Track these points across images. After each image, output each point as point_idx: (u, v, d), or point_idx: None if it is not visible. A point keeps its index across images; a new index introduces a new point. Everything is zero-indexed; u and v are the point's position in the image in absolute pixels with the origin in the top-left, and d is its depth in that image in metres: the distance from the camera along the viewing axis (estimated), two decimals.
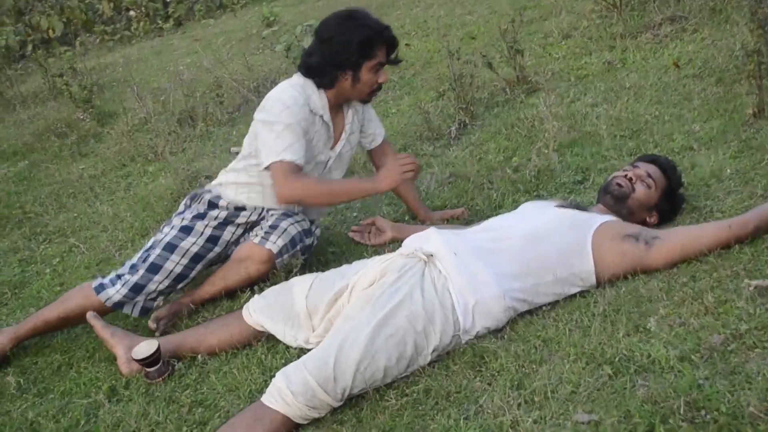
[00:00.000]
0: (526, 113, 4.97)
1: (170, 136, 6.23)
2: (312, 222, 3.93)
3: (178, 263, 3.69)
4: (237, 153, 5.68)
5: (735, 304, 2.69)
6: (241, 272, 3.67)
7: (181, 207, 3.91)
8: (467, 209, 4.14)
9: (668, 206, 3.56)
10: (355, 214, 4.44)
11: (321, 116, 3.70)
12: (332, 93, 3.71)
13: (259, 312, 3.32)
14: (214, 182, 3.95)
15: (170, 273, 3.68)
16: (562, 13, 6.74)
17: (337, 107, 3.81)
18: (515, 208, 3.95)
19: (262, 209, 3.82)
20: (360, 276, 3.21)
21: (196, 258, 3.74)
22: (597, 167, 4.22)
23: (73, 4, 12.15)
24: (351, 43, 3.57)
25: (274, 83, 6.41)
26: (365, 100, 3.83)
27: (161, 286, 3.68)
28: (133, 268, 3.68)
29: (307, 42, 6.32)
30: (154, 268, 3.66)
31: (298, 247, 3.69)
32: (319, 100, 3.69)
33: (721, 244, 3.10)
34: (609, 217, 3.34)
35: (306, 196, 3.63)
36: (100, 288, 3.66)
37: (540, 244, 3.16)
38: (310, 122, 3.65)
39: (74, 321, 3.71)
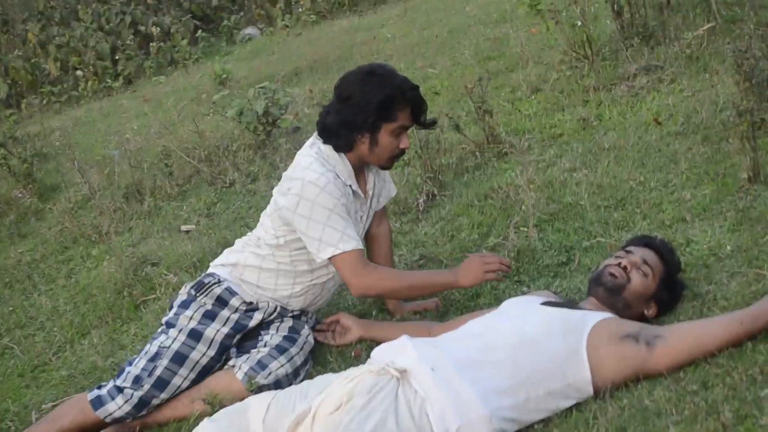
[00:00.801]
0: (499, 181, 4.57)
1: (116, 214, 5.77)
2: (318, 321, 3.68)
3: (186, 378, 3.34)
4: (188, 232, 5.35)
5: (757, 421, 2.32)
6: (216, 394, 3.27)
7: (184, 295, 3.53)
8: (440, 300, 3.72)
9: (668, 295, 3.19)
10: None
11: (350, 186, 3.36)
12: (353, 157, 3.36)
13: None
14: (220, 261, 3.61)
15: (177, 389, 3.33)
16: (529, 63, 6.37)
17: (358, 172, 3.46)
18: (494, 297, 3.62)
19: (275, 309, 3.47)
20: (324, 398, 2.80)
21: (204, 371, 3.39)
22: (582, 245, 3.84)
23: (18, 64, 11.68)
24: (370, 103, 3.23)
25: (227, 151, 6.07)
26: (384, 166, 3.48)
27: (163, 400, 3.33)
28: (138, 382, 3.29)
29: (260, 106, 5.93)
30: (161, 384, 3.30)
31: (281, 387, 3.28)
32: (344, 168, 3.35)
33: (732, 343, 2.73)
34: (603, 314, 2.95)
35: (384, 291, 3.49)
36: (98, 402, 3.28)
37: (530, 353, 2.78)
38: (344, 193, 3.33)
39: None
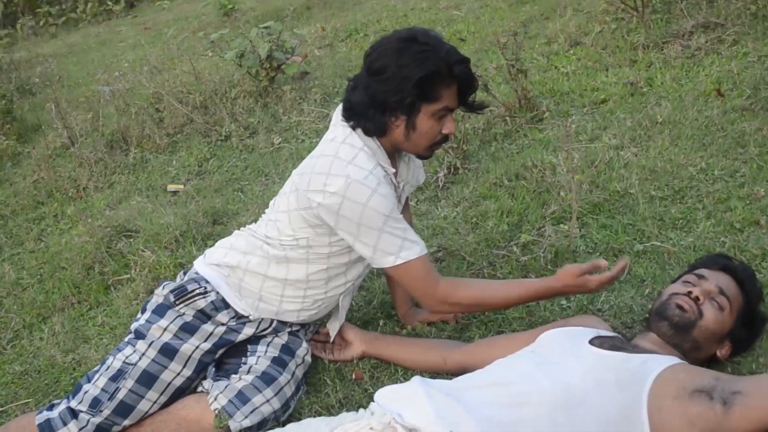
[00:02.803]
0: (533, 157, 3.91)
1: (97, 166, 5.13)
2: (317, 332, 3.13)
3: (155, 402, 2.75)
4: (175, 192, 4.72)
5: None
6: None
7: (160, 298, 2.87)
8: None
9: (746, 333, 2.56)
10: None
11: (391, 176, 2.73)
12: (385, 142, 2.69)
13: None
14: (214, 259, 2.93)
15: (143, 414, 2.73)
16: (568, 11, 5.66)
17: (391, 158, 2.79)
18: (526, 309, 2.98)
19: (271, 323, 2.88)
20: None
21: (178, 392, 2.78)
22: (633, 249, 3.20)
23: None
24: (407, 79, 2.53)
25: (225, 97, 5.40)
26: (422, 155, 2.78)
27: (125, 427, 2.75)
28: (96, 406, 2.70)
29: (263, 48, 5.25)
30: (123, 410, 2.72)
31: (267, 425, 2.68)
32: (383, 155, 2.69)
33: None
34: (668, 359, 2.34)
35: (469, 305, 2.81)
36: (48, 428, 2.71)
37: (575, 414, 2.19)
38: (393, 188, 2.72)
39: None
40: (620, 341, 2.47)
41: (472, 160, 4.15)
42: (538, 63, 5.07)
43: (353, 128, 2.67)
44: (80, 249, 4.12)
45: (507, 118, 4.41)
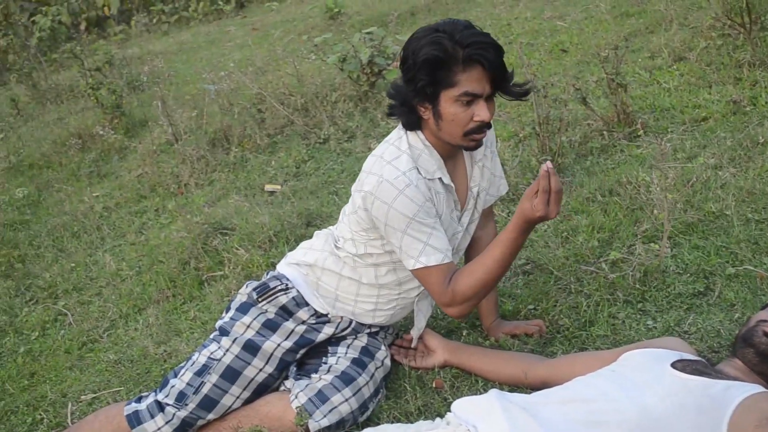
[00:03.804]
0: (628, 174, 3.86)
1: (198, 163, 5.28)
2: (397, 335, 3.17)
3: (238, 397, 2.82)
4: (272, 193, 4.81)
5: None
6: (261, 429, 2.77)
7: (244, 296, 2.97)
8: (545, 322, 3.10)
9: None
10: None
11: (440, 179, 2.71)
12: (431, 138, 2.68)
13: None
14: (294, 259, 3.01)
15: (226, 409, 2.82)
16: (673, 25, 5.56)
17: (453, 160, 2.78)
18: (611, 327, 2.97)
19: (350, 323, 2.94)
20: None
21: (261, 389, 2.86)
22: (725, 272, 3.13)
23: None
24: (417, 65, 2.51)
25: (325, 101, 5.48)
26: (464, 146, 2.67)
27: (210, 420, 2.84)
28: (182, 400, 2.79)
29: (365, 54, 5.32)
30: (208, 404, 2.80)
31: (345, 427, 2.75)
32: (430, 157, 2.68)
33: None
34: (752, 388, 2.28)
35: (477, 295, 2.69)
36: (135, 419, 2.81)
37: None
38: (432, 192, 2.68)
39: None
40: (703, 366, 2.43)
41: (567, 174, 4.13)
42: (639, 77, 5.00)
43: (407, 130, 2.69)
44: (178, 244, 4.25)
45: (604, 132, 4.38)
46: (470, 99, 2.54)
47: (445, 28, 2.51)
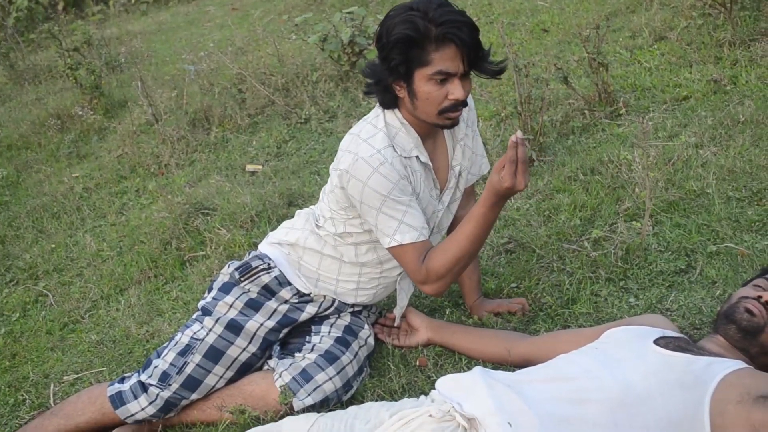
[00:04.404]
0: (609, 152, 3.88)
1: (179, 143, 5.25)
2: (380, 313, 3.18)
3: (221, 377, 2.82)
4: (253, 173, 4.79)
5: None
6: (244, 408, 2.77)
7: (226, 276, 2.96)
8: (528, 301, 3.11)
9: None
10: None
11: (417, 157, 2.70)
12: (408, 116, 2.67)
13: None
14: (276, 238, 3.01)
15: (210, 389, 2.81)
16: (654, 4, 5.56)
17: (433, 139, 2.78)
18: (593, 305, 2.98)
19: (332, 302, 2.94)
20: None
21: (245, 368, 2.86)
22: (706, 249, 3.16)
23: None
24: (390, 44, 2.52)
25: (306, 80, 5.46)
26: (440, 124, 2.66)
27: (193, 400, 2.83)
28: (165, 380, 2.78)
29: (345, 33, 5.30)
30: (191, 384, 2.79)
31: (329, 405, 2.75)
32: (406, 135, 2.68)
33: None
34: (734, 363, 2.30)
35: (452, 271, 2.68)
36: (119, 400, 2.80)
37: (636, 413, 2.17)
38: (409, 170, 2.68)
39: None
40: (686, 342, 2.44)
41: (548, 153, 4.13)
42: (620, 57, 5.01)
43: (383, 108, 2.69)
44: (159, 224, 4.23)
45: (586, 111, 4.39)
46: (444, 77, 2.54)
47: (419, 6, 2.50)
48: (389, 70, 2.56)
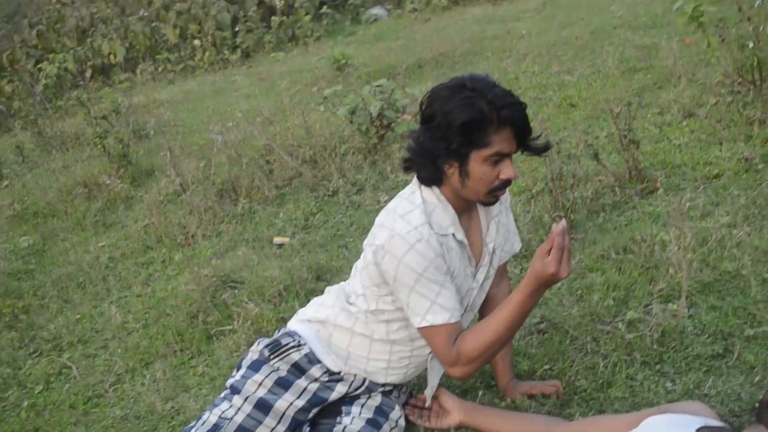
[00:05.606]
0: (642, 231, 3.84)
1: (206, 214, 5.25)
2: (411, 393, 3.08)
3: None
4: (280, 245, 4.78)
5: None
6: None
7: (255, 354, 2.92)
8: (562, 383, 3.05)
9: None
10: None
11: (453, 234, 2.67)
12: (449, 193, 2.66)
13: None
14: (306, 315, 2.98)
15: None
16: (682, 81, 5.57)
17: (468, 215, 2.76)
18: (629, 389, 2.91)
19: (363, 381, 2.88)
20: None
21: None
22: (743, 333, 3.09)
23: (137, 28, 11.34)
24: (452, 125, 2.50)
25: (334, 153, 5.46)
26: (485, 201, 2.67)
27: None
28: None
29: (374, 106, 5.32)
30: None
31: None
32: (443, 212, 2.65)
33: None
34: None
35: (483, 356, 2.63)
36: None
37: None
38: (445, 248, 2.64)
39: None
40: None
41: (579, 230, 4.10)
42: (649, 133, 4.99)
43: (422, 184, 2.67)
44: (185, 297, 4.20)
45: (616, 188, 4.36)
46: (500, 158, 2.54)
47: (475, 87, 2.49)
48: (447, 151, 2.55)
